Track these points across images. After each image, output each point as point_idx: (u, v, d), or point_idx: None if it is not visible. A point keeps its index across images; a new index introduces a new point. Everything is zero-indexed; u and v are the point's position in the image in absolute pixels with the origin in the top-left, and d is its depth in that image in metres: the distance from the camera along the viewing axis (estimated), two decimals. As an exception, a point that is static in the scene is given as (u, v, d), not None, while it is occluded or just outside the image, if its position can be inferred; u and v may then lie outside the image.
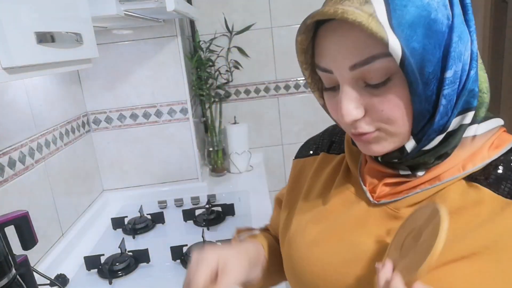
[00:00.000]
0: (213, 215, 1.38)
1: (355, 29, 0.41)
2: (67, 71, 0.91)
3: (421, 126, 0.45)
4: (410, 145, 0.47)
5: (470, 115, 0.46)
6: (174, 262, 1.13)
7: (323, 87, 0.51)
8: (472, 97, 0.45)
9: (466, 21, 0.45)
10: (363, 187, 0.53)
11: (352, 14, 0.40)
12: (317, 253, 0.54)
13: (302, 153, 0.69)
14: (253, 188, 1.66)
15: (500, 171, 0.46)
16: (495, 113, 0.50)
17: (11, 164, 1.00)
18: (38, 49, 0.62)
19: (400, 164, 0.50)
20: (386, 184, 0.51)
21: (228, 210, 1.41)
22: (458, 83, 0.44)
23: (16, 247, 0.71)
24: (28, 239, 0.72)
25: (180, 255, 1.13)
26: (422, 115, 0.44)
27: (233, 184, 1.76)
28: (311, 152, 0.68)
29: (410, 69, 0.41)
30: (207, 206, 1.42)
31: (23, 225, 0.71)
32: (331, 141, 0.66)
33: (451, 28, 0.42)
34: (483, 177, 0.46)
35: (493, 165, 0.46)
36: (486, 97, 0.48)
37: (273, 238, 0.73)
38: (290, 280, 0.60)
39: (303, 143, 0.71)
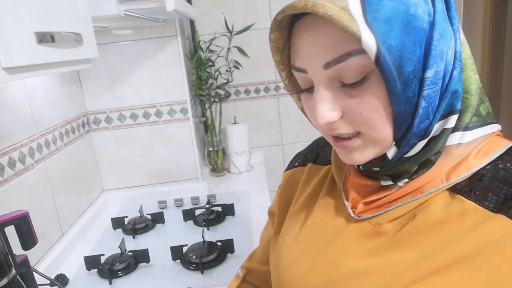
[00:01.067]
0: (213, 215, 1.38)
1: (328, 24, 0.39)
2: (67, 71, 0.91)
3: (403, 131, 0.42)
4: (391, 152, 0.44)
5: (453, 119, 0.42)
6: (174, 262, 1.13)
7: (300, 89, 0.48)
8: (456, 99, 0.42)
9: (450, 18, 0.42)
10: (345, 202, 0.51)
11: (323, 7, 0.38)
12: (297, 271, 0.52)
13: (290, 165, 0.68)
14: (253, 188, 1.66)
15: (486, 181, 0.42)
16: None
17: (11, 164, 1.00)
18: (38, 49, 0.62)
19: (381, 173, 0.47)
20: (365, 203, 0.49)
21: (228, 210, 1.41)
22: (440, 84, 0.41)
23: (16, 247, 0.71)
24: (28, 239, 0.72)
25: (180, 255, 1.13)
26: (403, 118, 0.41)
27: (233, 184, 1.76)
28: (298, 163, 0.66)
29: (386, 66, 0.38)
30: (207, 206, 1.42)
31: (23, 225, 0.71)
32: (317, 152, 0.64)
33: (432, 24, 0.40)
34: (468, 188, 0.42)
35: (479, 174, 0.43)
36: (473, 99, 0.44)
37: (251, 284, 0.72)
38: None
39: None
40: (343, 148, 0.45)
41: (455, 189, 0.43)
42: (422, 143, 0.43)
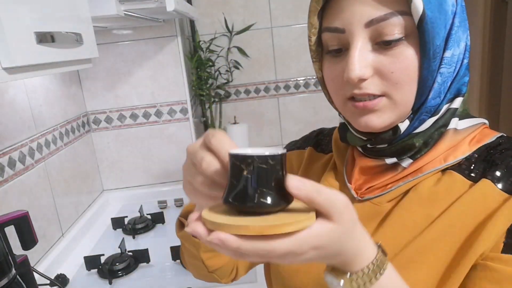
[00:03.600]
0: (213, 215, 1.38)
1: None
2: (67, 71, 0.91)
3: (421, 103, 0.46)
4: (404, 125, 0.47)
5: (458, 101, 0.47)
6: (174, 262, 1.13)
7: (324, 54, 0.50)
8: (463, 84, 0.48)
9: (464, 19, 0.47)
10: (348, 184, 0.53)
11: None
12: None
13: (290, 144, 0.69)
14: (253, 188, 1.66)
15: (473, 160, 0.48)
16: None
17: (11, 164, 1.00)
18: (38, 49, 0.62)
19: (387, 151, 0.50)
20: (370, 188, 0.52)
21: (228, 210, 1.40)
22: (454, 68, 0.45)
23: (16, 247, 0.71)
24: (28, 239, 0.72)
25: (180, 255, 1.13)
26: (425, 86, 0.45)
27: (233, 184, 1.76)
28: (296, 146, 0.67)
29: (427, 29, 0.42)
30: (207, 206, 1.42)
31: (23, 225, 0.71)
32: (317, 140, 0.65)
33: (454, 14, 0.44)
34: (458, 165, 0.48)
35: (470, 155, 0.48)
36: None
37: None
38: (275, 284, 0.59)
39: None
40: (365, 108, 0.46)
41: (448, 168, 0.48)
42: (431, 120, 0.47)
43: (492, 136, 0.50)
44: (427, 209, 0.47)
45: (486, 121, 0.51)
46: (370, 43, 0.44)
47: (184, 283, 1.02)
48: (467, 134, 0.49)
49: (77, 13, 0.80)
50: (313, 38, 0.50)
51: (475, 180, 0.46)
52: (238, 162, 0.33)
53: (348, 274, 0.36)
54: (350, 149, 0.57)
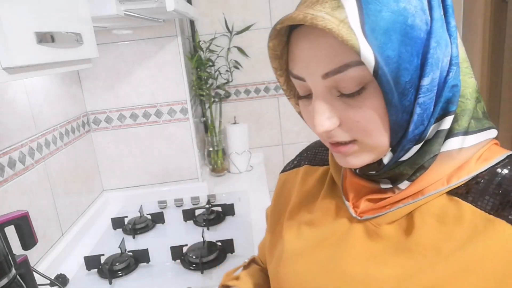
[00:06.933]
0: (213, 215, 1.38)
1: (327, 35, 0.39)
2: (67, 71, 0.91)
3: (399, 138, 0.43)
4: (387, 157, 0.45)
5: (447, 120, 0.43)
6: (174, 262, 1.13)
7: (298, 94, 0.48)
8: (451, 103, 0.42)
9: (446, 23, 0.42)
10: (346, 202, 0.52)
11: (322, 20, 0.38)
12: (300, 270, 0.52)
13: (286, 167, 0.68)
14: (253, 188, 1.66)
15: (482, 185, 0.43)
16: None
17: (11, 164, 1.00)
18: (38, 49, 0.62)
19: (379, 176, 0.48)
20: (369, 200, 0.49)
21: (228, 210, 1.41)
22: (435, 91, 0.41)
23: (16, 247, 0.71)
24: (28, 239, 0.72)
25: (180, 255, 1.13)
26: (399, 125, 0.41)
27: (233, 184, 1.76)
28: (294, 164, 0.66)
29: (384, 78, 0.38)
30: (207, 206, 1.42)
31: (23, 225, 0.71)
32: (314, 153, 0.65)
33: (429, 33, 0.40)
34: (465, 191, 0.43)
35: (477, 178, 0.44)
36: (469, 103, 0.44)
37: (260, 269, 0.72)
38: None
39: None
40: (339, 153, 0.46)
41: (453, 192, 0.44)
42: (416, 147, 0.44)
43: (501, 153, 0.45)
44: (437, 239, 0.43)
45: (496, 131, 0.47)
46: (333, 92, 0.42)
47: (184, 283, 1.02)
48: (475, 151, 0.45)
49: (77, 13, 0.80)
50: (281, 79, 0.49)
51: (487, 210, 0.41)
52: None
53: None
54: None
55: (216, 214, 1.40)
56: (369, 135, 0.42)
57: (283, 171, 0.68)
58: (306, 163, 0.64)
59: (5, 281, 0.63)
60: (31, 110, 1.13)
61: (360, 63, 0.38)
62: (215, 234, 1.28)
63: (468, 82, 0.45)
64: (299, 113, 0.52)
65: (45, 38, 0.64)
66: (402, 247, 0.45)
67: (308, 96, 0.46)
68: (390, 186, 0.47)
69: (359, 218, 0.49)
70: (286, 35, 0.45)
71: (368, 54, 0.37)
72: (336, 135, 0.44)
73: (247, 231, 1.28)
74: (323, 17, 0.38)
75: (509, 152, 0.46)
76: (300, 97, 0.47)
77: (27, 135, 1.10)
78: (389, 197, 0.47)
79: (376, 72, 0.38)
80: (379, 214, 0.48)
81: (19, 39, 0.57)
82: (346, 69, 0.40)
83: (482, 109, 0.47)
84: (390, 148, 0.44)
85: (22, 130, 1.08)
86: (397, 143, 0.43)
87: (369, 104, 0.41)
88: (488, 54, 2.19)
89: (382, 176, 0.47)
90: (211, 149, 1.83)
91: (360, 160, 0.45)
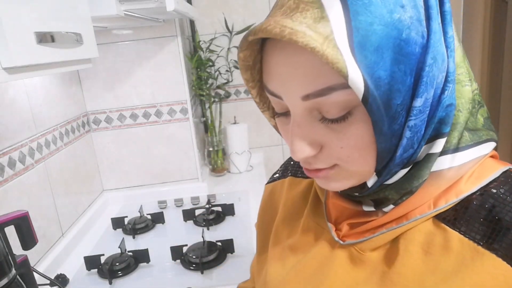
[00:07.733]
0: (213, 215, 1.38)
1: (308, 51, 0.33)
2: (67, 71, 0.91)
3: (386, 162, 0.38)
4: (371, 181, 0.40)
5: (439, 143, 0.38)
6: (174, 262, 1.13)
7: (275, 112, 0.42)
8: (444, 123, 0.37)
9: (444, 33, 0.36)
10: (328, 224, 0.47)
11: (303, 37, 0.32)
12: None
13: (270, 179, 0.64)
14: (253, 188, 1.66)
15: (472, 211, 0.38)
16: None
17: (11, 164, 1.00)
18: (38, 49, 0.62)
19: (363, 198, 0.43)
20: (350, 224, 0.45)
21: (228, 210, 1.41)
22: (428, 112, 0.36)
23: (16, 247, 0.71)
24: (28, 239, 0.72)
25: (180, 255, 1.13)
26: (387, 151, 0.37)
27: (233, 184, 1.76)
28: (278, 175, 0.62)
29: (375, 106, 0.33)
30: (207, 206, 1.42)
31: (23, 225, 0.71)
32: (298, 164, 0.60)
33: (425, 48, 0.34)
34: (453, 217, 0.39)
35: (467, 202, 0.39)
36: (461, 116, 0.39)
37: None
38: None
39: None
40: (318, 178, 0.41)
41: (440, 217, 0.40)
42: (404, 171, 0.39)
43: (495, 170, 0.40)
44: (421, 271, 0.39)
45: (494, 143, 0.41)
46: (314, 114, 0.37)
47: (184, 283, 1.02)
48: (468, 168, 0.39)
49: (77, 13, 0.80)
50: (253, 91, 0.43)
51: (476, 241, 0.37)
52: None
53: None
54: None
55: (216, 214, 1.40)
56: (352, 161, 0.38)
57: (269, 182, 0.64)
58: (290, 174, 0.60)
59: (5, 281, 0.63)
60: (31, 110, 1.13)
61: (347, 86, 0.33)
62: (215, 234, 1.28)
63: (461, 92, 0.39)
64: (274, 126, 0.46)
65: (45, 38, 0.64)
66: (385, 277, 0.41)
67: (286, 113, 0.40)
68: (372, 209, 0.43)
69: (341, 242, 0.45)
70: (259, 43, 0.39)
71: (357, 79, 0.32)
72: (316, 162, 0.39)
73: (247, 231, 1.28)
74: (304, 33, 0.32)
75: (504, 168, 0.40)
76: (277, 114, 0.42)
77: (27, 135, 1.10)
78: (372, 220, 0.43)
79: (366, 100, 0.33)
80: (362, 239, 0.43)
81: (19, 39, 0.58)
82: (329, 92, 0.34)
83: (485, 115, 0.42)
84: (375, 173, 0.39)
85: (22, 130, 1.08)
86: (383, 166, 0.38)
87: (354, 130, 0.36)
88: (488, 54, 2.18)
89: (366, 198, 0.43)
90: (211, 149, 1.83)
91: (341, 184, 0.41)
